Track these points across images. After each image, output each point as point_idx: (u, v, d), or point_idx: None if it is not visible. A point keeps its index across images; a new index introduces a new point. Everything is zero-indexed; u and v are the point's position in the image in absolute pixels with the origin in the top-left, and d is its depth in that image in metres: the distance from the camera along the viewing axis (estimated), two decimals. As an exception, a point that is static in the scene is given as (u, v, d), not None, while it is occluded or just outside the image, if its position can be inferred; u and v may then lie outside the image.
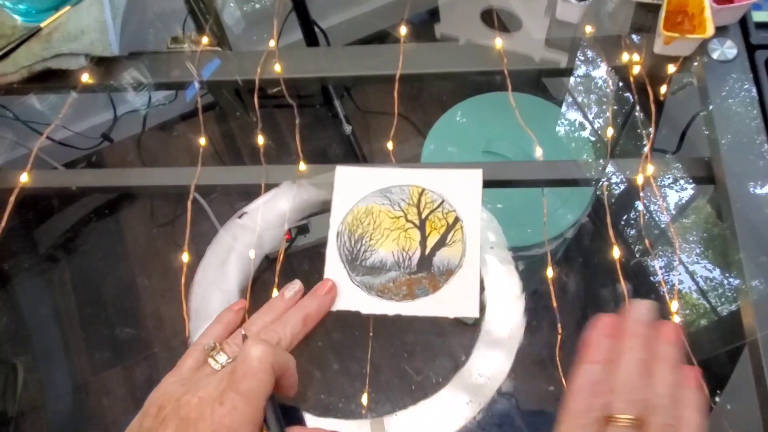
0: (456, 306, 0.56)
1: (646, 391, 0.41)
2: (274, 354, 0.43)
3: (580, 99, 1.00)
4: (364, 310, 0.56)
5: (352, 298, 0.56)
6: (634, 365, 0.42)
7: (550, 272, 0.58)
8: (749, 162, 0.59)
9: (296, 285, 0.54)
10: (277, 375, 0.44)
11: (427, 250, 0.58)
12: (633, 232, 1.05)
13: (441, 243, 0.58)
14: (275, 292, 0.60)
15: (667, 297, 0.54)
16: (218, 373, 0.45)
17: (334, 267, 0.57)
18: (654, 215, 0.77)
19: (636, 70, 0.66)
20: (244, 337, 0.47)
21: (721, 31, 0.65)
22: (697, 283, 0.85)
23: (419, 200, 0.60)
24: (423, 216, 0.59)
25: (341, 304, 0.56)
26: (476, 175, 0.60)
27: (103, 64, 0.72)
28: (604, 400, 0.41)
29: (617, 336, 0.44)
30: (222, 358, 0.47)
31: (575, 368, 0.44)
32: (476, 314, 0.56)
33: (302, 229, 1.33)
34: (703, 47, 0.65)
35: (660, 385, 0.41)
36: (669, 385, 0.41)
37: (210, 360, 0.47)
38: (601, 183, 0.63)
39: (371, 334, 0.57)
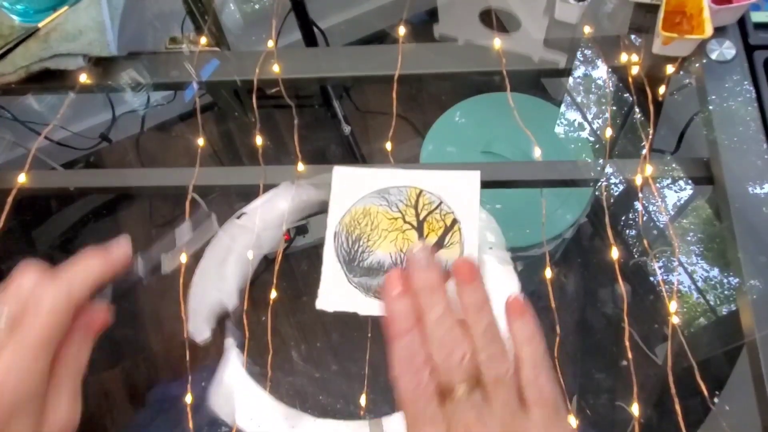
0: None
1: (464, 346, 0.36)
2: (57, 289, 0.36)
3: (578, 99, 1.00)
4: (362, 312, 0.55)
5: (350, 299, 0.56)
6: (440, 324, 0.37)
7: (548, 273, 0.58)
8: (748, 162, 0.59)
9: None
10: (74, 311, 0.37)
11: (426, 251, 0.58)
12: (632, 232, 1.05)
13: (439, 245, 0.58)
14: (273, 293, 0.60)
15: (666, 297, 0.54)
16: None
17: (331, 268, 0.57)
18: (653, 215, 0.77)
19: (635, 70, 0.66)
20: None
21: (719, 31, 0.65)
22: (696, 283, 0.85)
23: (417, 201, 0.60)
24: (421, 217, 0.59)
25: (339, 306, 0.56)
26: (474, 177, 0.60)
27: (102, 65, 0.72)
28: (430, 369, 0.36)
29: (412, 293, 0.39)
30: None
31: (389, 350, 0.38)
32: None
33: (301, 230, 1.33)
34: (701, 48, 0.65)
35: (477, 335, 0.36)
36: (486, 330, 0.37)
37: None
38: (599, 183, 0.63)
39: (369, 335, 0.57)
